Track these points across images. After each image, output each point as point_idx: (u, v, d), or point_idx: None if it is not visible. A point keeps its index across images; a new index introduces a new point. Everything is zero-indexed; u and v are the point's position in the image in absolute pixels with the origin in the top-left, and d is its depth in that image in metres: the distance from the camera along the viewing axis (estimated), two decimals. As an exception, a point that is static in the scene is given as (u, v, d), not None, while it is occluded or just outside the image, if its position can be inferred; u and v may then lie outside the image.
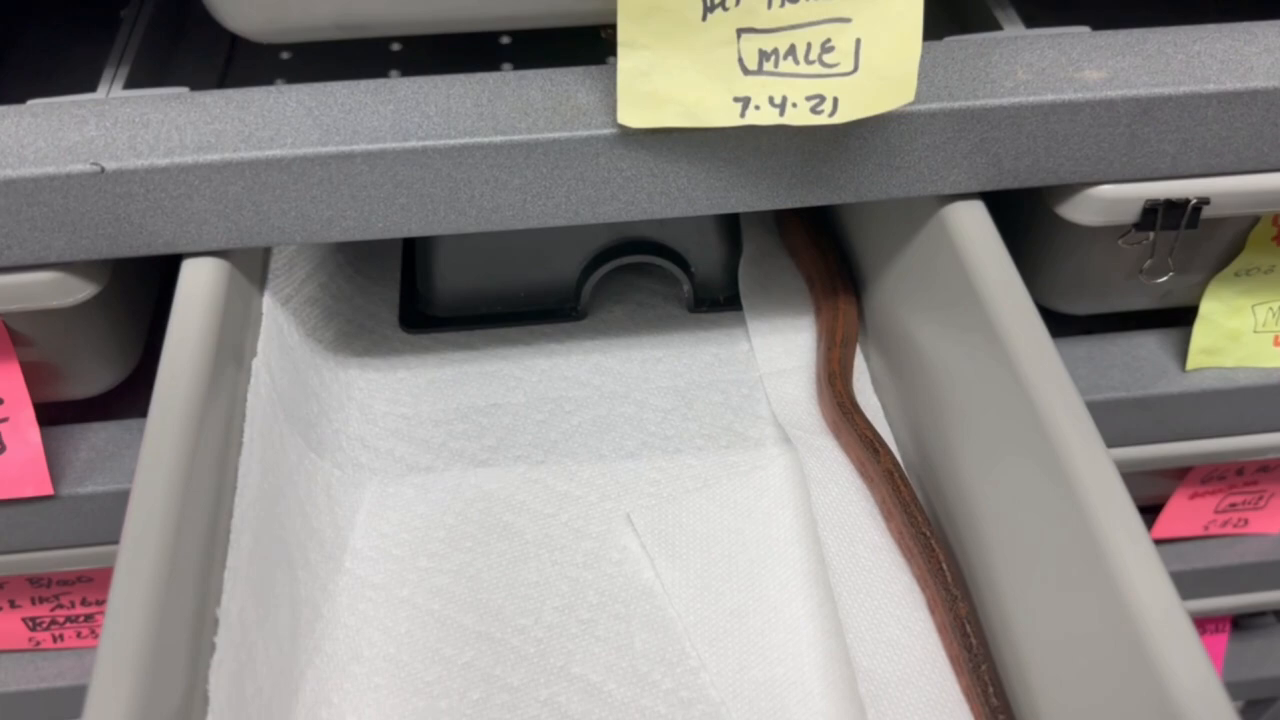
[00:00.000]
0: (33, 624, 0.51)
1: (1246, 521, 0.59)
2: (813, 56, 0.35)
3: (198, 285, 0.38)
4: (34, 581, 0.49)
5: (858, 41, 0.35)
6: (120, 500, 0.43)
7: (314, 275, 0.48)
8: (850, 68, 0.35)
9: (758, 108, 0.35)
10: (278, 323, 0.43)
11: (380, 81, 0.38)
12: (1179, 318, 0.49)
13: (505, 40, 0.49)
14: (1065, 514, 0.33)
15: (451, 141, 0.36)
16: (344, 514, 0.43)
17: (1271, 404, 0.49)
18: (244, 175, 0.36)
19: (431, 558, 0.42)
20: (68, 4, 0.53)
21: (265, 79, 0.47)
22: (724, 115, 0.36)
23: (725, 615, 0.40)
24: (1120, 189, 0.40)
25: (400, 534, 0.43)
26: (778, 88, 0.35)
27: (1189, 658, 0.29)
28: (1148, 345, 0.49)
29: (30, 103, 0.38)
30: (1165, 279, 0.44)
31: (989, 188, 0.40)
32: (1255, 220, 0.44)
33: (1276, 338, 0.48)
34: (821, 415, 0.46)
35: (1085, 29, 0.41)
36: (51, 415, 0.44)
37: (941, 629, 0.39)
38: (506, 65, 0.47)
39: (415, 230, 0.38)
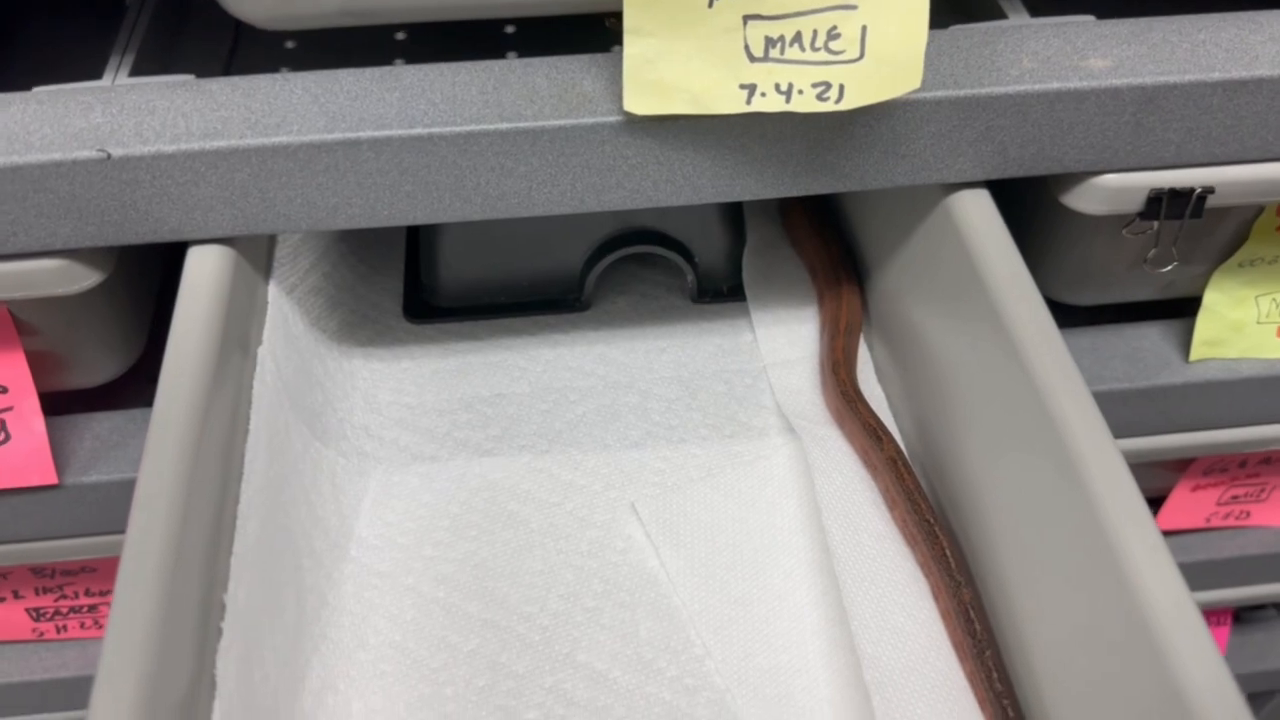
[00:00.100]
0: (36, 614, 0.51)
1: (1248, 514, 0.59)
2: (819, 43, 0.35)
3: (203, 273, 0.38)
4: (37, 572, 0.49)
5: (864, 28, 0.35)
6: (125, 490, 0.43)
7: (318, 265, 0.48)
8: (856, 54, 0.35)
9: (764, 95, 0.35)
10: (283, 311, 0.43)
11: (386, 69, 0.38)
12: (1182, 309, 0.49)
13: (509, 29, 0.49)
14: (1072, 503, 0.33)
15: (457, 128, 0.36)
16: (349, 502, 0.43)
17: (1275, 395, 0.49)
18: (250, 162, 0.36)
19: (437, 546, 0.42)
20: (72, -8, 0.53)
21: (270, 67, 0.47)
22: (730, 102, 0.36)
23: (730, 603, 0.40)
24: (1125, 178, 0.40)
25: (405, 522, 0.43)
26: (784, 75, 0.35)
27: (1199, 648, 0.29)
28: (1151, 336, 0.49)
29: (36, 90, 0.38)
30: (1169, 269, 0.44)
31: (994, 176, 0.40)
32: (1259, 210, 0.44)
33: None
34: (825, 404, 0.46)
35: (1090, 18, 0.41)
36: (55, 405, 0.44)
37: (945, 615, 0.39)
38: (511, 54, 0.47)
39: (421, 218, 0.38)
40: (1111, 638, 0.31)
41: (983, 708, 0.37)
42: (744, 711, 0.37)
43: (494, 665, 0.39)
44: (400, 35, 0.49)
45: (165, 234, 0.38)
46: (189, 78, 0.38)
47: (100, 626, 0.52)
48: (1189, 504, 0.57)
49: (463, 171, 0.37)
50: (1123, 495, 0.32)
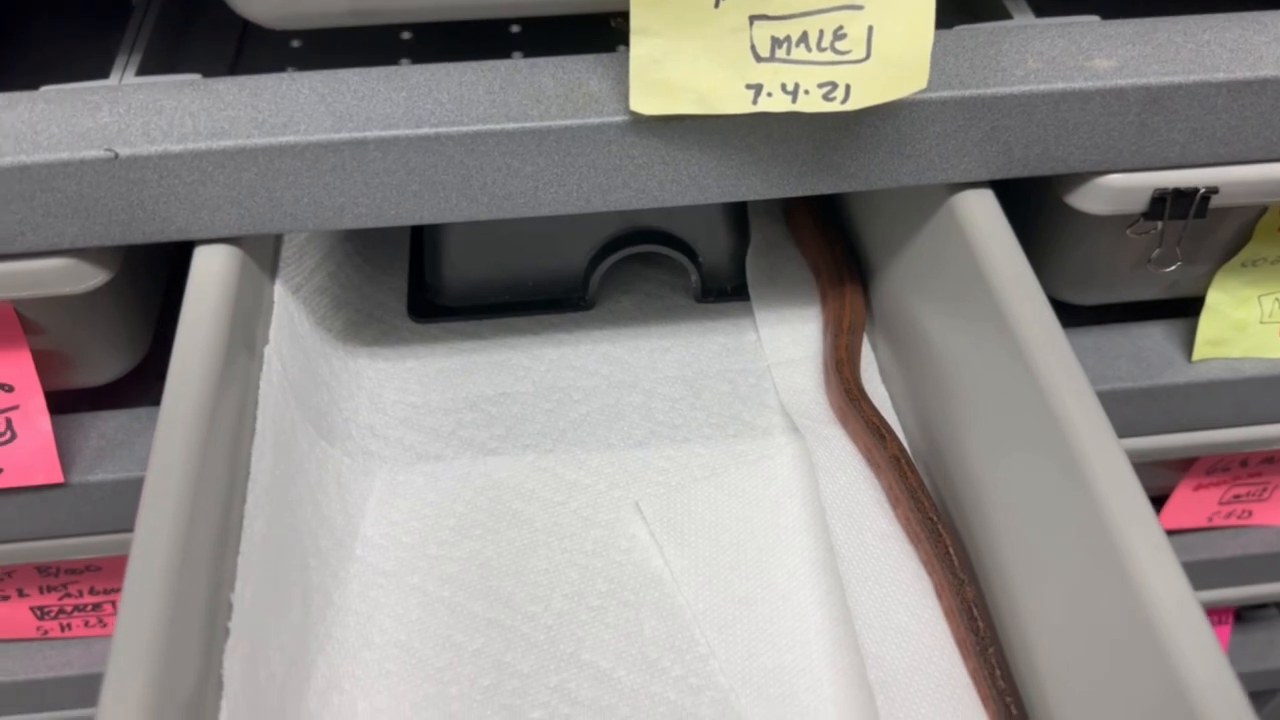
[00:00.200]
0: (40, 613, 0.51)
1: (1250, 513, 0.59)
2: (825, 43, 0.35)
3: (210, 272, 0.38)
4: (42, 570, 0.49)
5: (870, 28, 0.35)
6: (130, 489, 0.43)
7: (323, 264, 0.48)
8: (862, 55, 0.35)
9: (770, 95, 0.36)
10: (289, 311, 0.43)
11: (393, 69, 0.38)
12: (1185, 308, 0.49)
13: (515, 29, 0.49)
14: (1075, 502, 0.33)
15: (464, 128, 0.36)
16: (354, 502, 0.43)
17: (1277, 395, 0.49)
18: (257, 161, 0.36)
19: (441, 545, 0.42)
20: (79, -8, 0.53)
21: (276, 67, 0.47)
22: (736, 102, 0.36)
23: (734, 603, 0.40)
24: (1129, 178, 0.40)
25: (410, 522, 0.43)
26: (790, 75, 0.35)
27: (1202, 646, 0.29)
28: (1154, 336, 0.49)
29: (43, 89, 0.38)
30: (1173, 269, 0.44)
31: (999, 176, 0.40)
32: (1263, 210, 0.44)
33: (1282, 328, 0.48)
34: (829, 403, 0.46)
35: (1095, 18, 0.41)
36: (61, 403, 0.44)
37: (949, 613, 0.39)
38: (516, 54, 0.47)
39: (428, 217, 0.38)
40: (1115, 636, 0.31)
41: (986, 705, 0.37)
42: (748, 711, 0.37)
43: (499, 664, 0.39)
44: (406, 35, 0.49)
45: (172, 233, 0.38)
46: (195, 77, 0.38)
47: (104, 625, 0.52)
48: (1191, 503, 0.57)
49: (469, 171, 0.37)
50: (1126, 494, 0.32)
